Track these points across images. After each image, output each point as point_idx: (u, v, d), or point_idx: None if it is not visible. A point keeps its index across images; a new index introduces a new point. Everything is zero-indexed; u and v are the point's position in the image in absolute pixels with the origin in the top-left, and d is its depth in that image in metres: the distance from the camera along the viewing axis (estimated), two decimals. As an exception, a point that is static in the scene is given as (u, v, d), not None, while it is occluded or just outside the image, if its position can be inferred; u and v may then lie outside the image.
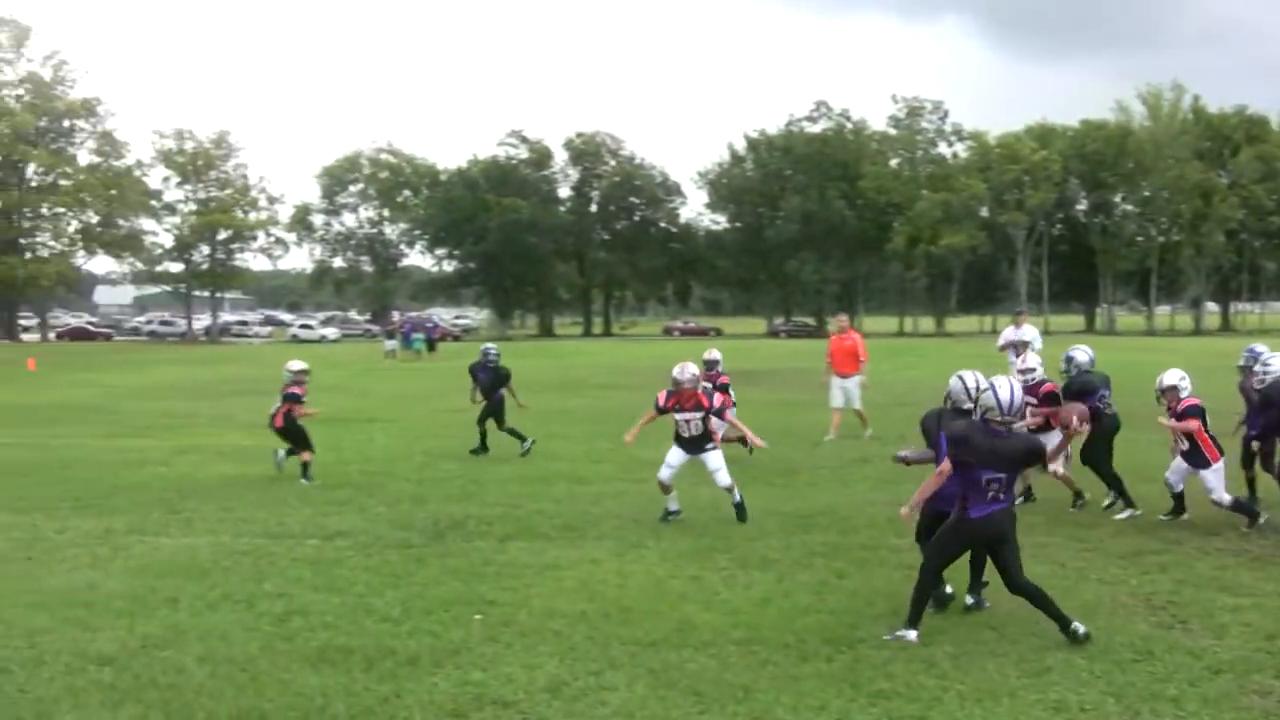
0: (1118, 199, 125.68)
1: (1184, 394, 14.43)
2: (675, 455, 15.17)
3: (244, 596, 11.44)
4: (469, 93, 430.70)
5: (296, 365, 20.13)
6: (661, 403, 15.20)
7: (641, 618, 10.59)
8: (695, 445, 15.18)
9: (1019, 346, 20.44)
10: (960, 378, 10.89)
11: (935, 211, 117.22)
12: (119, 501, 17.27)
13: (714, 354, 21.51)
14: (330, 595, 11.46)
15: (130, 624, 10.48)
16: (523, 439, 22.69)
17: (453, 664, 9.25)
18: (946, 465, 9.88)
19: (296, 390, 19.69)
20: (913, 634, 9.83)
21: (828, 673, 9.04)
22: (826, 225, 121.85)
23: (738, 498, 15.15)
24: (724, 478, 15.11)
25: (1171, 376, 14.58)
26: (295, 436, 19.68)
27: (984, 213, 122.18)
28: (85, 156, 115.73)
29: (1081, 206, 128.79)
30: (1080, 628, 9.70)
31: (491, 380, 23.04)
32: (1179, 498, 14.84)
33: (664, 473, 15.15)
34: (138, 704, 8.36)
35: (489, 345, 24.43)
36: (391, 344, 72.24)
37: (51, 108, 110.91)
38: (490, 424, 22.88)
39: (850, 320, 26.52)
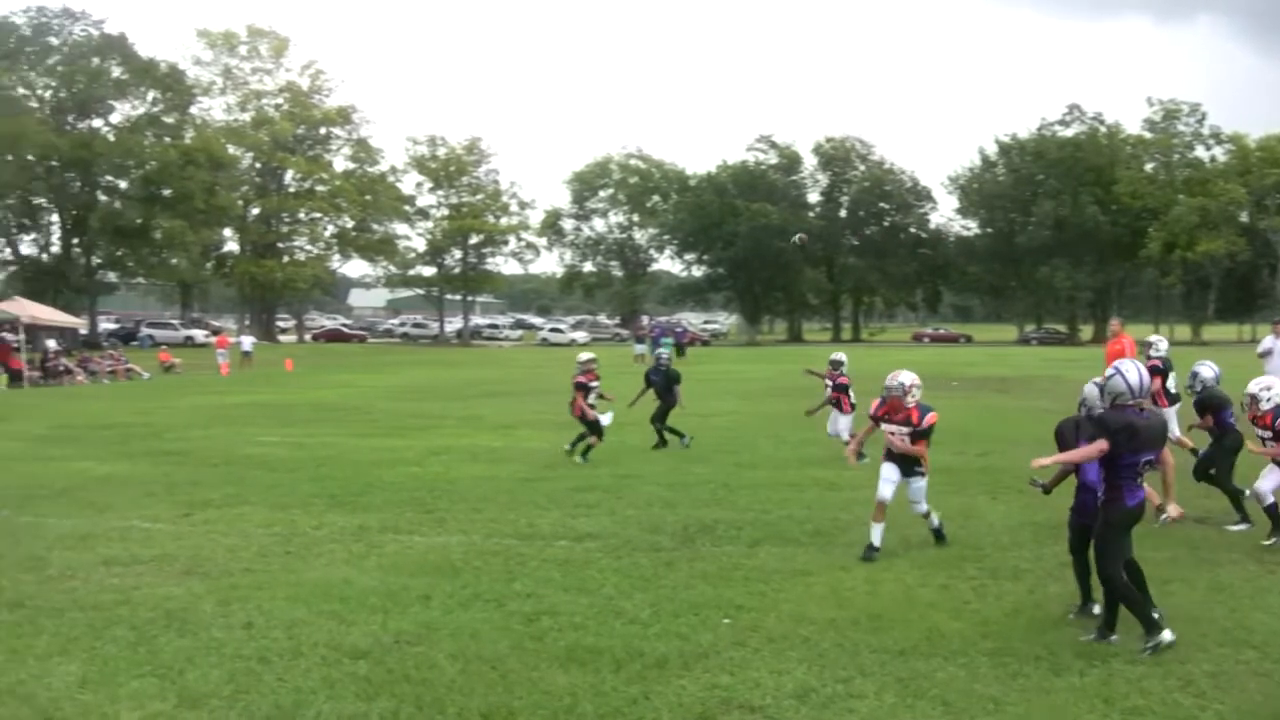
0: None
1: (1265, 404, 14.09)
2: (890, 470, 13.83)
3: (494, 596, 11.66)
4: (718, 98, 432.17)
5: (584, 356, 23.32)
6: (873, 410, 14.02)
7: (891, 625, 10.50)
8: (905, 465, 13.84)
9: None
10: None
11: (1192, 217, 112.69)
12: (373, 499, 17.80)
13: (839, 355, 24.44)
14: (580, 596, 11.63)
15: (384, 619, 10.78)
16: (667, 439, 24.85)
17: (701, 667, 9.29)
18: (1104, 444, 9.77)
19: (582, 379, 22.68)
20: (1166, 635, 9.75)
21: (1080, 687, 8.87)
22: (1079, 231, 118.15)
23: (935, 522, 14.22)
24: (921, 506, 14.00)
25: (1253, 385, 14.32)
26: (590, 422, 22.40)
27: (1244, 218, 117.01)
28: (341, 163, 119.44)
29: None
30: (1115, 638, 9.98)
31: (664, 382, 25.47)
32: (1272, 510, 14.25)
33: (884, 489, 13.67)
34: (391, 697, 8.60)
35: (661, 350, 27.14)
36: (640, 348, 72.94)
37: (309, 116, 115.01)
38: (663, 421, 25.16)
39: (1121, 325, 26.14)
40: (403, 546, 14.19)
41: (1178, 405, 20.22)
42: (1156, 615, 9.85)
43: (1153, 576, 10.68)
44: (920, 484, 13.89)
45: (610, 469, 21.09)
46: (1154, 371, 19.21)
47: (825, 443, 24.89)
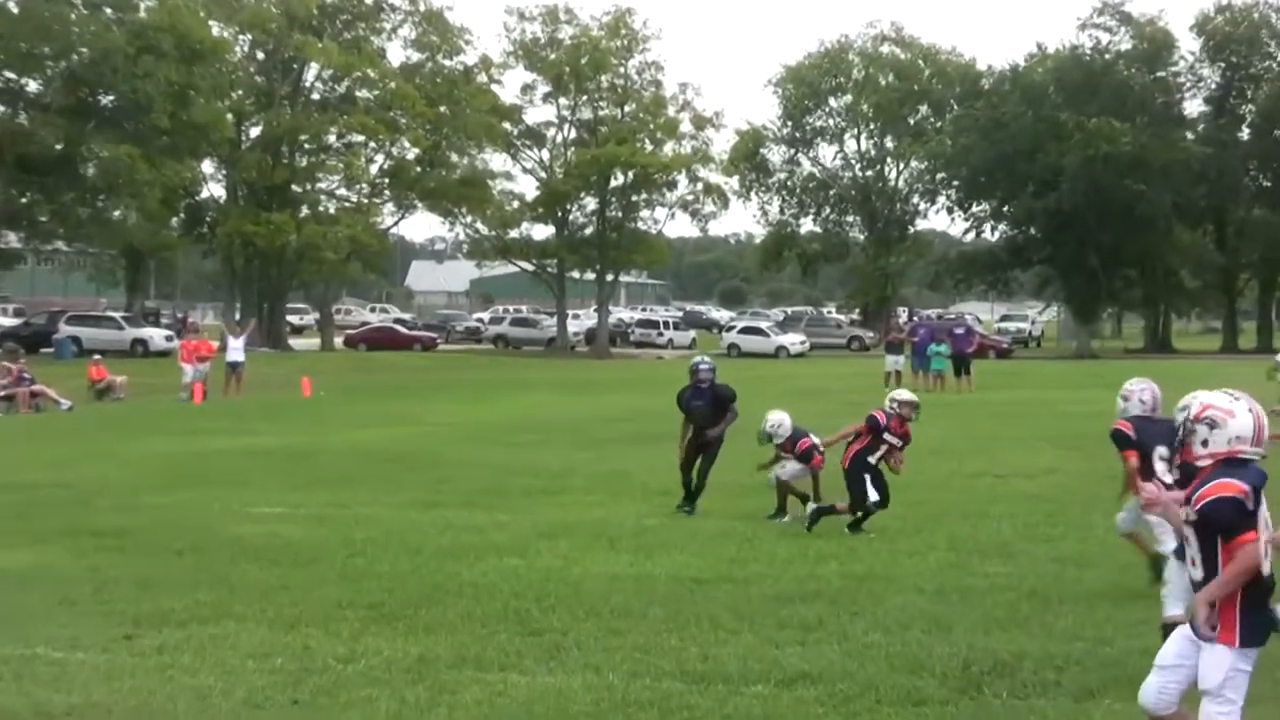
0: None
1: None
2: (1178, 649, 11.20)
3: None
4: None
5: (904, 395, 24.91)
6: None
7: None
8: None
9: None
10: None
11: None
12: (443, 613, 17.86)
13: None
14: (789, 782, 11.54)
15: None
16: (695, 502, 26.19)
17: None
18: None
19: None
20: None
21: None
22: None
23: None
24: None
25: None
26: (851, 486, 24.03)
27: None
28: (397, 52, 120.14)
29: None
30: None
31: (712, 408, 26.53)
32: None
33: (1160, 691, 11.12)
34: None
35: (700, 359, 27.57)
36: (896, 360, 72.47)
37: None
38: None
39: None
40: (491, 692, 14.21)
41: None
42: None
43: None
44: (1215, 657, 10.84)
45: (840, 564, 21.07)
46: None
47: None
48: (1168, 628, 14.31)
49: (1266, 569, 10.46)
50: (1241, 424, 11.11)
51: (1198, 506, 10.72)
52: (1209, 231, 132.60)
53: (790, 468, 25.89)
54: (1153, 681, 11.13)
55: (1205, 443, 11.37)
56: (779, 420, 26.01)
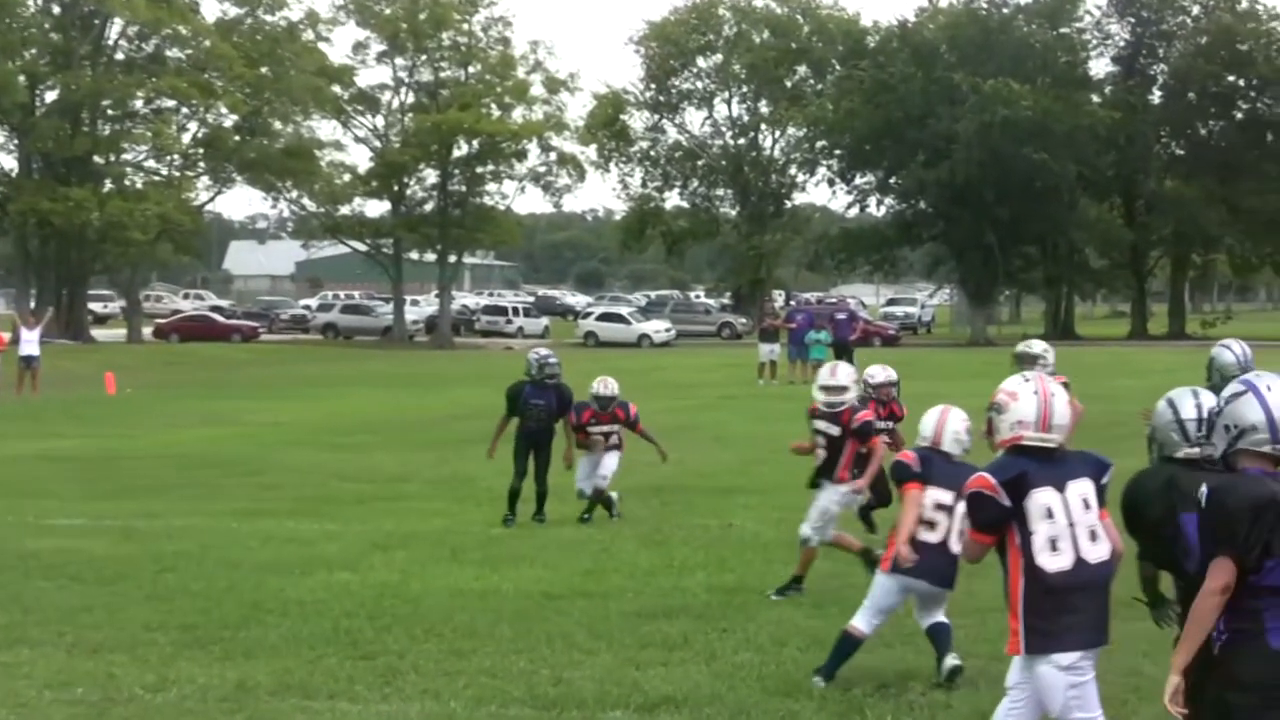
0: None
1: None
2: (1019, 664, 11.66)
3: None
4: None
5: (876, 377, 24.80)
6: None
7: None
8: None
9: None
10: (1170, 402, 10.76)
11: None
12: (264, 635, 17.80)
13: None
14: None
15: None
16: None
17: None
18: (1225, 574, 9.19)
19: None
20: None
21: None
22: None
23: None
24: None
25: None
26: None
27: None
28: (212, 6, 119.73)
29: None
30: None
31: (556, 408, 26.26)
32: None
33: (1003, 716, 11.53)
34: None
35: (541, 351, 27.08)
36: (770, 350, 72.50)
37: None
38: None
39: None
40: (317, 724, 14.17)
41: None
42: None
43: None
44: (1039, 681, 11.31)
45: (707, 575, 21.20)
46: None
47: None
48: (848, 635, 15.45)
49: (1053, 565, 10.66)
50: (1024, 408, 11.27)
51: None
52: (1117, 205, 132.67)
53: (609, 462, 26.22)
54: (1001, 705, 11.40)
55: (997, 430, 11.67)
56: (613, 382, 26.34)
